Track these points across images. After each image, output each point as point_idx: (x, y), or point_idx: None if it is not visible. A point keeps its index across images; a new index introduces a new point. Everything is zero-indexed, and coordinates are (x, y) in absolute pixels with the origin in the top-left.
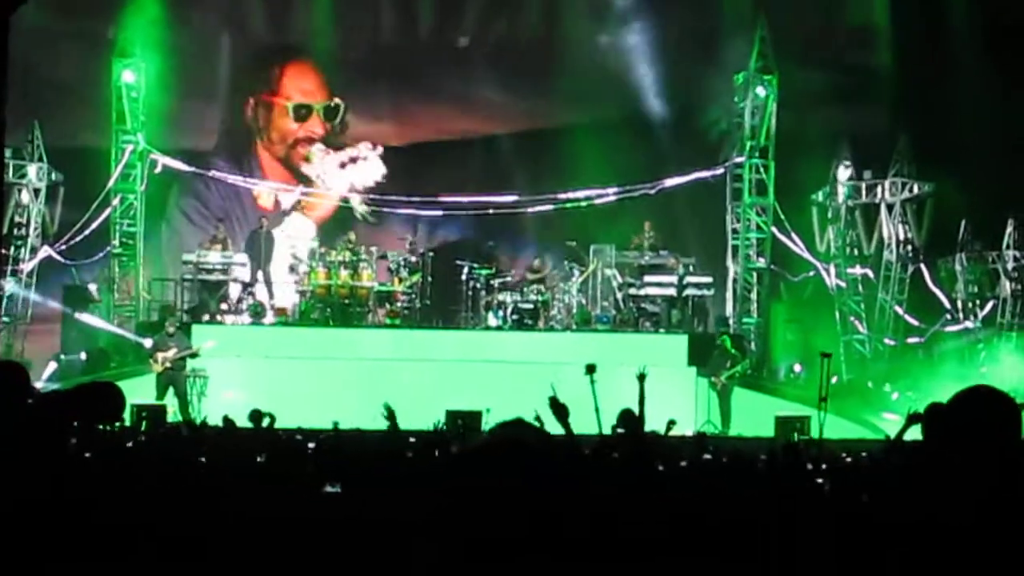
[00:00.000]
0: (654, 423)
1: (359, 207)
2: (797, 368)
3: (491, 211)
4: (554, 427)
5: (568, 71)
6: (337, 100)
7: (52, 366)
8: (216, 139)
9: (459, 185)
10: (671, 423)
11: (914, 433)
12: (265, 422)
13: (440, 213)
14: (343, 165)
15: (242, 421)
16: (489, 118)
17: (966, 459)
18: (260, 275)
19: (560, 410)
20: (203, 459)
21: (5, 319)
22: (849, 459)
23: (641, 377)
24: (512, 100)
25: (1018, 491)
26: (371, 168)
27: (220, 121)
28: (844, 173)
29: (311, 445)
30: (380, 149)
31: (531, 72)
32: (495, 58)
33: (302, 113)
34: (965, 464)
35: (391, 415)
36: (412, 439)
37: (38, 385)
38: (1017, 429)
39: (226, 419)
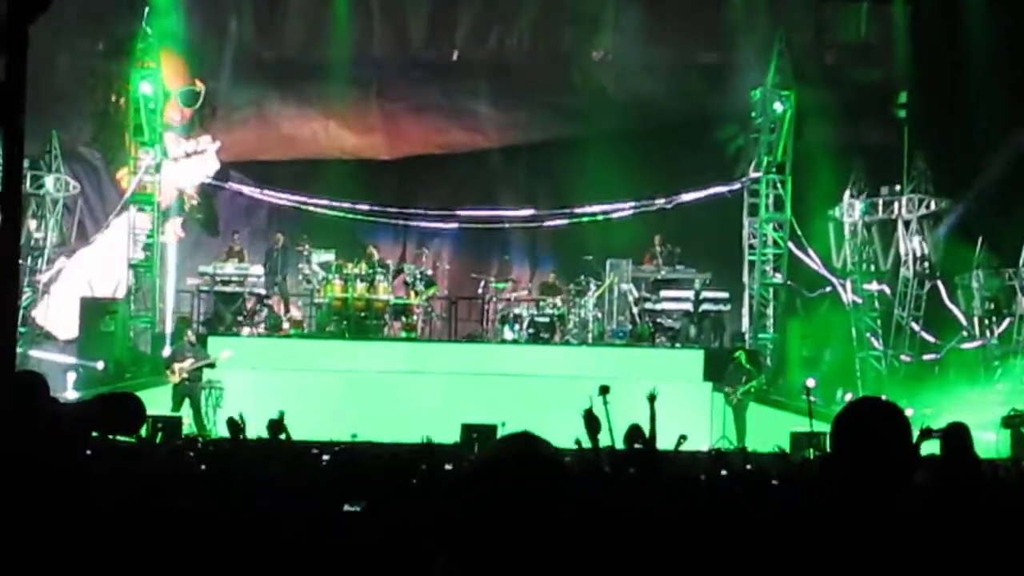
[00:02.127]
0: (668, 438)
1: (189, 200)
2: (810, 383)
3: (507, 225)
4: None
5: (564, 85)
6: (198, 84)
7: (72, 376)
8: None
9: (454, 199)
10: (681, 438)
11: (930, 447)
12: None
13: (455, 226)
14: (176, 159)
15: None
16: (482, 131)
17: (860, 467)
18: (276, 288)
19: (593, 423)
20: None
21: (22, 330)
22: None
23: (651, 398)
24: (503, 113)
25: (909, 495)
26: (205, 163)
27: (91, 115)
28: (857, 191)
29: (325, 457)
30: (218, 144)
31: (523, 86)
32: (487, 72)
33: None
34: (858, 471)
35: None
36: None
37: (67, 395)
38: (907, 437)
39: (232, 422)
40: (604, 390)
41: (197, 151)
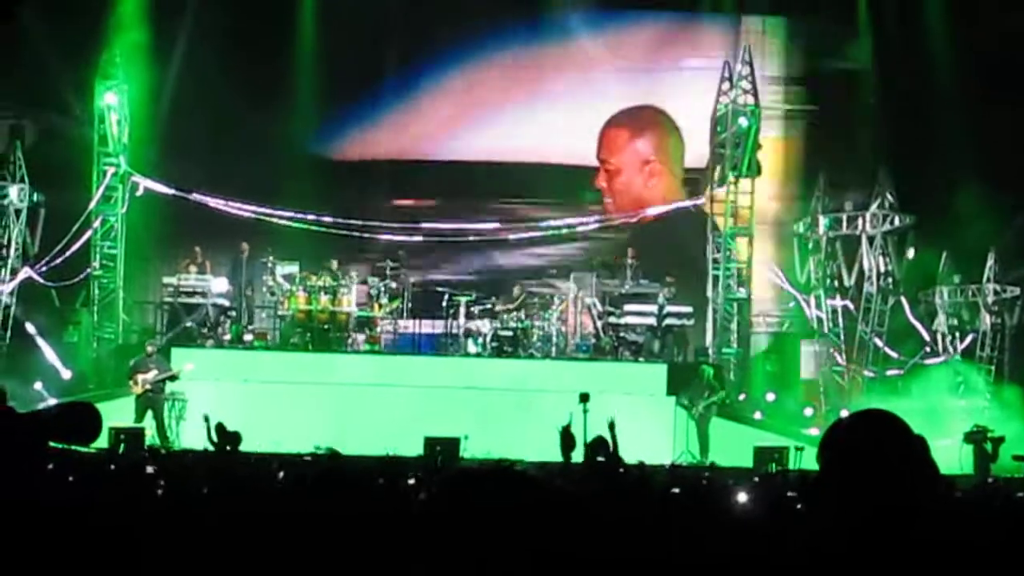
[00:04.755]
0: (630, 453)
1: None
2: (770, 397)
3: (472, 238)
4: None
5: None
6: None
7: (38, 385)
8: None
9: (418, 210)
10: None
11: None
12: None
13: (420, 239)
14: None
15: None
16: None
17: (857, 480)
18: (244, 300)
19: (569, 442)
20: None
21: None
22: None
23: (611, 425)
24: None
25: (907, 512)
26: None
27: None
28: (822, 207)
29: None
30: None
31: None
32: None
33: None
34: (849, 486)
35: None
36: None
37: (46, 404)
38: (907, 450)
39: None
40: (584, 398)
41: None
